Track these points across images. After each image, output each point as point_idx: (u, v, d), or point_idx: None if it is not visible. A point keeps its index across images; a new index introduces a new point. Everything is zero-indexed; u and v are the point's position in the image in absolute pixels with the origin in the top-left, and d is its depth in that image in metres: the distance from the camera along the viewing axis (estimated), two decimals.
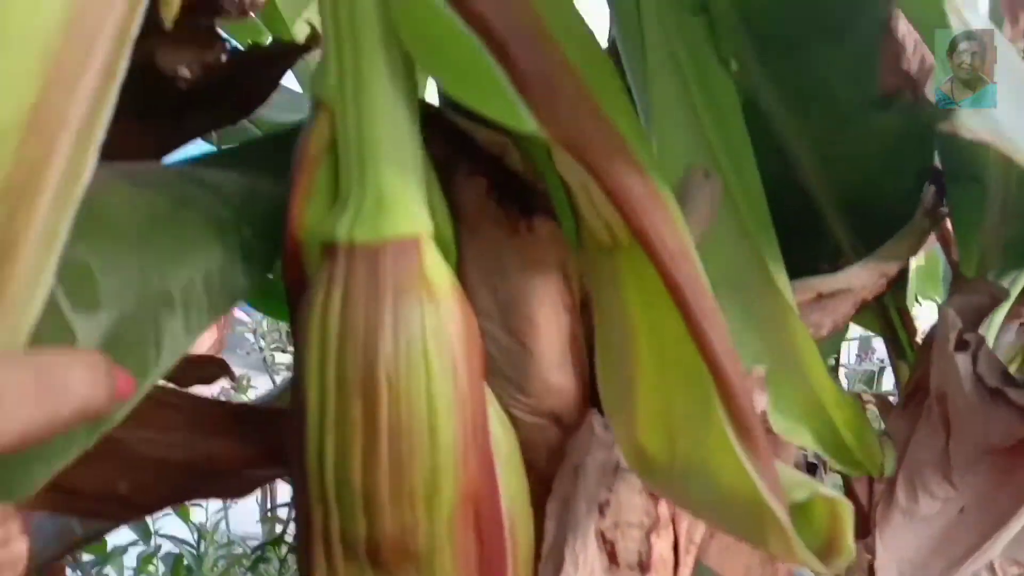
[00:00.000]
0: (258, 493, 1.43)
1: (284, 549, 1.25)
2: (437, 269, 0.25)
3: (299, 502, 0.26)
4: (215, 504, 1.36)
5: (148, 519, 1.26)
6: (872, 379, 1.71)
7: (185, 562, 1.33)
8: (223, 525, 1.42)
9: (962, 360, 0.42)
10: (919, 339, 0.55)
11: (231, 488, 0.39)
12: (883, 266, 0.43)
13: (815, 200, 0.50)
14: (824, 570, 0.27)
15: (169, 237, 0.27)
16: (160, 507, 0.39)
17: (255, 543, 1.36)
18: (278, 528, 1.35)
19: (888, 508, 0.53)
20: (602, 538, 0.36)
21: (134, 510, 0.38)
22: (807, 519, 0.27)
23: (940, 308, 0.45)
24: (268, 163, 0.31)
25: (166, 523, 1.34)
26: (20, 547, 0.20)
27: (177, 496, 0.39)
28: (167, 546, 1.36)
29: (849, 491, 0.53)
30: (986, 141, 0.24)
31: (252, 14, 0.38)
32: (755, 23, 0.42)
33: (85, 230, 0.20)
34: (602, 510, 0.36)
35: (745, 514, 0.27)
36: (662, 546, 0.38)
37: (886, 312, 0.54)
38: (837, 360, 1.19)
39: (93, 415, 0.19)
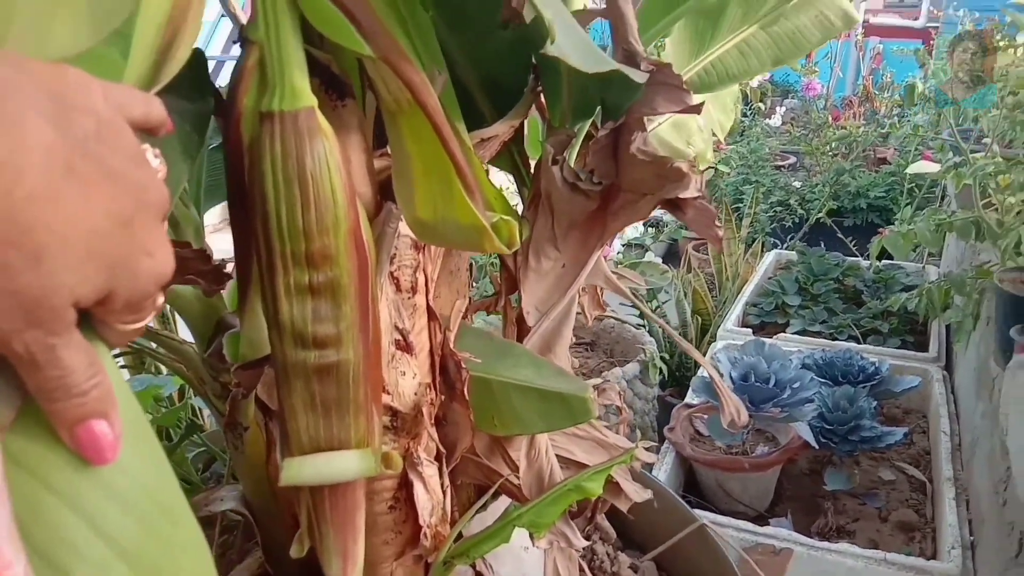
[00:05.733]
0: None
1: None
2: (324, 124, 0.51)
3: (262, 245, 0.51)
4: None
5: None
6: None
7: None
8: None
9: (556, 170, 0.76)
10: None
11: None
12: (512, 121, 0.76)
13: (468, 86, 0.81)
14: (507, 251, 0.58)
15: None
16: None
17: None
18: None
19: (526, 271, 0.87)
20: (391, 276, 0.65)
21: None
22: (498, 231, 0.58)
23: (543, 144, 0.79)
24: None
25: None
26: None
27: None
28: None
29: (503, 263, 0.87)
30: (555, 54, 0.55)
31: None
32: None
33: None
34: (392, 259, 0.65)
35: (472, 235, 0.58)
36: (421, 279, 0.67)
37: (513, 156, 0.88)
38: None
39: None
